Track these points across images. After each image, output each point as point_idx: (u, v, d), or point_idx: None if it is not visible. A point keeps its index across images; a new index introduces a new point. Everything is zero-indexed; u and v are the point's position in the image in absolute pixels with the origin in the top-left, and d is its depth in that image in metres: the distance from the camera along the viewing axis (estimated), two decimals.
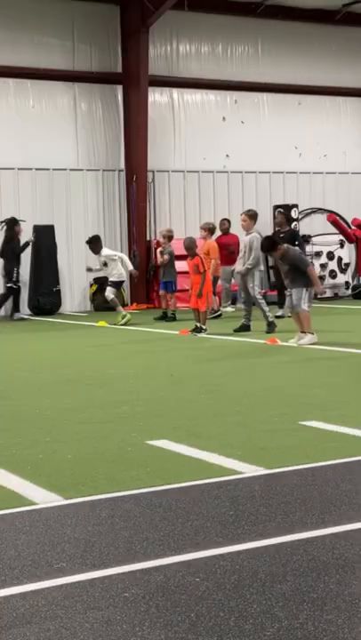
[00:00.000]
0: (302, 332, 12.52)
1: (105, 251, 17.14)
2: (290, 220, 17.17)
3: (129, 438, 6.73)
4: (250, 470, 5.72)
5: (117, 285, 17.32)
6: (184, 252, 15.17)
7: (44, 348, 13.39)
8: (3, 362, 11.89)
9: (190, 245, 14.87)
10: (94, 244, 17.21)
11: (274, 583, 3.84)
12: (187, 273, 15.44)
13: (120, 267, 17.01)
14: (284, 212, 18.96)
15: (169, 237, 17.41)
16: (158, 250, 17.51)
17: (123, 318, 16.48)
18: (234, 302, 18.95)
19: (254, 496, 5.16)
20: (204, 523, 4.69)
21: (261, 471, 5.71)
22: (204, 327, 14.49)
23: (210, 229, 16.47)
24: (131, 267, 17.48)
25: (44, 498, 5.24)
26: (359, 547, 4.25)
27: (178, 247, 16.52)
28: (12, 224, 18.88)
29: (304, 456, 6.02)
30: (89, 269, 17.67)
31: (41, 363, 11.69)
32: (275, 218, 22.01)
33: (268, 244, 13.21)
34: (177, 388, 9.07)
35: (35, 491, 5.39)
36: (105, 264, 16.97)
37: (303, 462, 5.86)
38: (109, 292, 17.02)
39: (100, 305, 20.23)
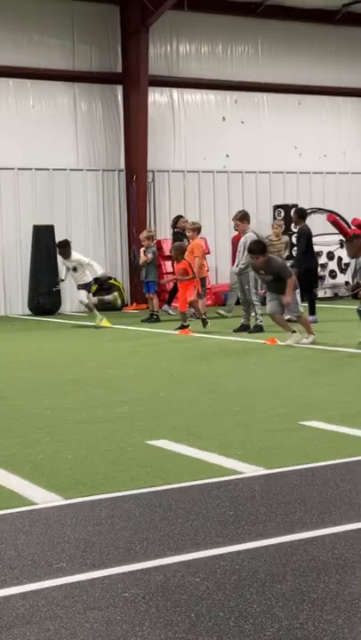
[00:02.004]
0: (309, 332, 12.58)
1: (75, 255, 16.84)
2: (304, 216, 16.64)
3: (129, 438, 6.73)
4: (250, 470, 5.72)
5: (87, 287, 16.96)
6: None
7: (43, 348, 13.39)
8: (3, 362, 11.88)
9: (176, 249, 15.11)
10: (65, 248, 16.92)
11: (274, 583, 3.84)
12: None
13: (87, 272, 16.77)
14: (297, 210, 18.18)
15: (149, 237, 17.42)
16: (142, 249, 17.49)
17: (100, 321, 16.34)
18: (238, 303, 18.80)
19: (254, 496, 5.16)
20: (203, 523, 4.69)
21: (261, 471, 5.71)
22: (205, 318, 14.64)
23: (196, 229, 16.47)
24: (100, 271, 17.03)
25: (43, 498, 5.24)
26: (359, 547, 4.25)
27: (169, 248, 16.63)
28: (176, 221, 18.88)
29: (304, 456, 6.02)
30: (61, 281, 17.54)
31: (41, 363, 11.68)
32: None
33: (259, 248, 13.00)
34: (177, 388, 9.07)
35: (34, 491, 5.39)
36: (75, 269, 16.78)
37: (303, 462, 5.86)
38: (83, 297, 16.79)
39: (100, 305, 20.23)
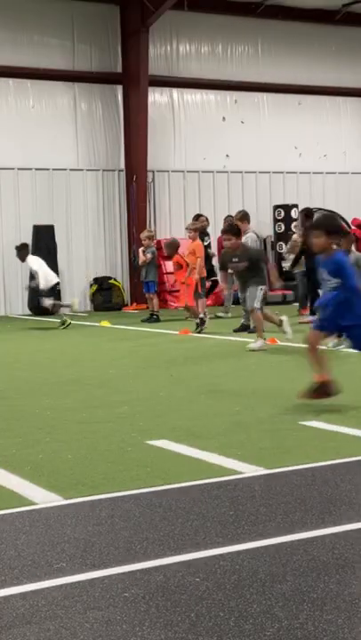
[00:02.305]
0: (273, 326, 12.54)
1: (30, 260, 16.84)
2: (310, 216, 16.40)
3: (129, 438, 6.73)
4: (250, 470, 5.72)
5: (52, 292, 16.87)
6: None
7: (43, 348, 13.39)
8: (3, 362, 11.88)
9: (169, 246, 15.19)
10: (20, 251, 17.04)
11: (274, 583, 3.84)
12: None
13: (48, 277, 16.69)
14: (304, 210, 17.42)
15: (150, 237, 17.38)
16: (141, 249, 17.50)
17: (63, 323, 16.26)
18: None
19: (254, 496, 5.16)
20: (203, 523, 4.69)
21: (261, 471, 5.71)
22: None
23: (196, 229, 16.50)
24: (41, 285, 16.78)
25: (43, 498, 5.24)
26: (359, 547, 4.25)
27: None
28: (195, 220, 18.06)
29: (304, 456, 6.02)
30: (27, 288, 17.44)
31: (41, 363, 11.68)
32: (275, 218, 22.04)
33: (233, 230, 12.87)
34: (177, 388, 9.07)
35: (34, 491, 5.39)
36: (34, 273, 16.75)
37: (303, 462, 5.86)
38: (48, 301, 16.74)
39: (100, 305, 20.28)
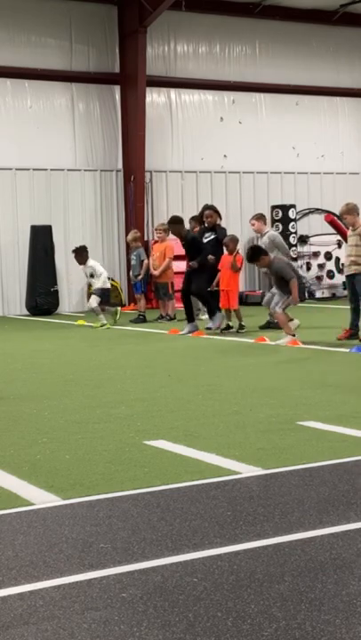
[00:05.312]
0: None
1: (91, 262, 16.72)
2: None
3: (127, 438, 6.73)
4: (248, 470, 5.72)
5: (103, 293, 16.76)
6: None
7: (41, 349, 13.39)
8: (1, 362, 11.87)
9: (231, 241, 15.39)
10: (79, 253, 16.72)
11: (272, 583, 3.84)
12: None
13: (105, 277, 16.76)
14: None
15: (135, 239, 17.37)
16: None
17: (102, 326, 16.16)
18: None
19: (252, 496, 5.16)
20: (201, 523, 4.69)
21: (259, 471, 5.71)
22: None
23: (166, 230, 16.44)
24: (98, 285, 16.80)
25: (41, 498, 5.24)
26: (357, 547, 4.26)
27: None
28: (201, 214, 16.85)
29: (302, 456, 6.02)
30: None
31: (39, 363, 11.68)
32: (273, 219, 22.04)
33: (252, 254, 13.06)
34: (174, 389, 9.07)
35: (32, 491, 5.39)
36: (91, 275, 16.62)
37: (301, 462, 5.86)
38: (93, 301, 16.61)
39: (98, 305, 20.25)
